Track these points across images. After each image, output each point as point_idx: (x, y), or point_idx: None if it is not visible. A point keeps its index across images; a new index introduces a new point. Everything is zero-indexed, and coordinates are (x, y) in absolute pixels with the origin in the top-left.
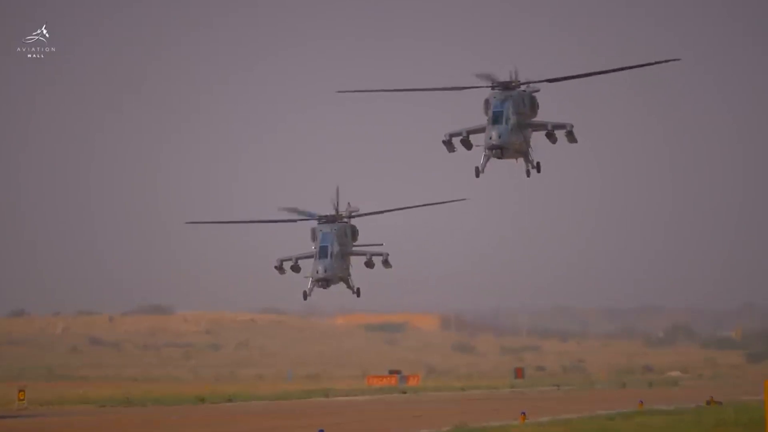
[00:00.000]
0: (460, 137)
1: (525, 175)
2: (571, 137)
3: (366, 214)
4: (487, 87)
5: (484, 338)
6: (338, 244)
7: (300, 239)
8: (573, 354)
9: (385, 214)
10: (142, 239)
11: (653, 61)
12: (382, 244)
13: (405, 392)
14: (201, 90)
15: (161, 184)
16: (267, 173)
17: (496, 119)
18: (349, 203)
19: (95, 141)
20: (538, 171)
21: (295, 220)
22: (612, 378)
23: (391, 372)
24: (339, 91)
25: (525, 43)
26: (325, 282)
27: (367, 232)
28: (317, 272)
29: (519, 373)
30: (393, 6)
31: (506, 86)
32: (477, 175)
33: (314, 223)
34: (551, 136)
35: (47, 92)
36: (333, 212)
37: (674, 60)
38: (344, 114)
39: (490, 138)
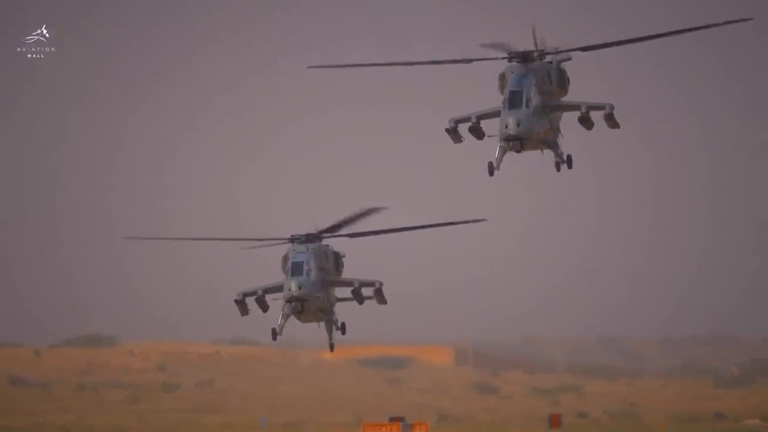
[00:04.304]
0: (469, 124)
1: (555, 169)
2: (611, 121)
3: (340, 236)
4: (502, 59)
5: (511, 376)
6: (317, 267)
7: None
8: (622, 396)
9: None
10: (76, 254)
11: (720, 22)
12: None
13: None
14: (200, 90)
15: (108, 192)
16: (237, 182)
17: (513, 101)
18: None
19: (54, 144)
20: (570, 166)
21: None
22: (672, 427)
23: (393, 419)
24: (310, 67)
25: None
26: (299, 304)
27: (363, 250)
28: (289, 290)
29: (555, 420)
30: None
31: (526, 57)
32: (491, 173)
33: (287, 249)
34: (586, 121)
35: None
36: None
37: (746, 20)
38: (321, 96)
39: (506, 126)
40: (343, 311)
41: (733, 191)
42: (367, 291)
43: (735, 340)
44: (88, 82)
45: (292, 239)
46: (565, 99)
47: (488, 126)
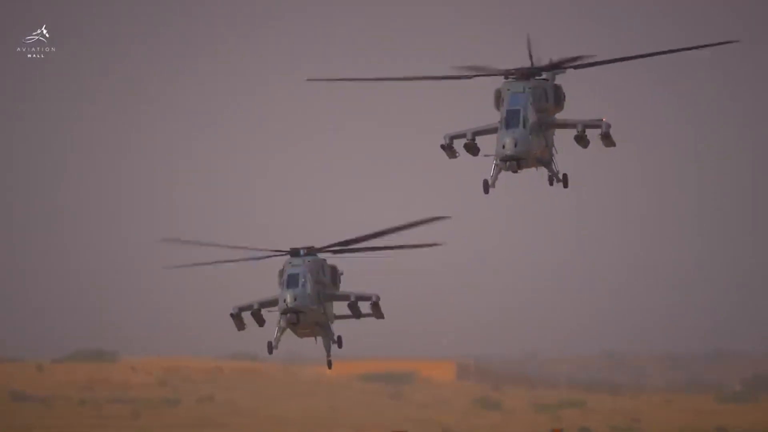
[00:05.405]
0: (464, 140)
1: (548, 183)
2: (607, 140)
3: (328, 251)
4: (500, 75)
5: (513, 391)
6: (313, 280)
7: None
8: (626, 412)
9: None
10: (78, 268)
11: (708, 43)
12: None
13: None
14: (199, 92)
15: (108, 201)
16: (238, 191)
17: (510, 121)
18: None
19: (57, 146)
20: (565, 185)
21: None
22: None
23: None
24: (309, 79)
25: (544, 18)
26: (294, 315)
27: (360, 264)
28: (285, 301)
29: None
30: None
31: (524, 74)
32: (486, 191)
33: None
34: (582, 139)
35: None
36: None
37: (732, 42)
38: (315, 112)
39: (504, 146)
40: (343, 326)
41: (736, 207)
42: (365, 308)
43: (738, 355)
44: (90, 83)
45: (291, 252)
46: (561, 115)
47: (483, 142)
